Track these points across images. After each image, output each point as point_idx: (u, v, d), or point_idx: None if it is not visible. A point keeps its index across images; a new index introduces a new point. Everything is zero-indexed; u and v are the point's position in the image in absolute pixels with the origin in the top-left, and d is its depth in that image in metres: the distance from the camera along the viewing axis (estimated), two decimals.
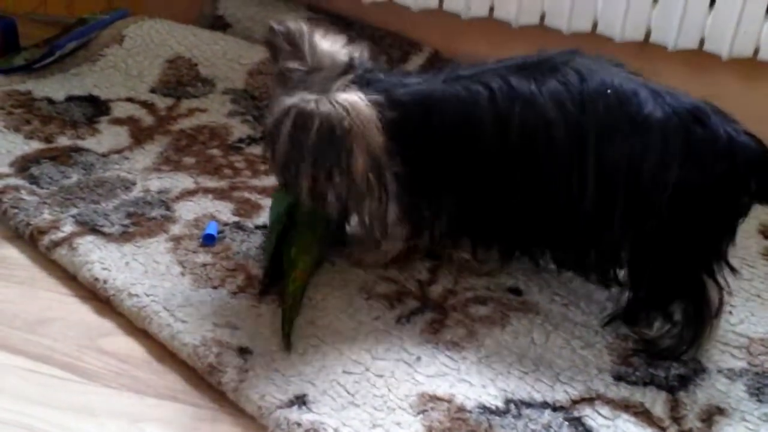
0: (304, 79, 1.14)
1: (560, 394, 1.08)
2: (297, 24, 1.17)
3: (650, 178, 1.08)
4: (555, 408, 1.06)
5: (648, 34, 1.60)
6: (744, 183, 1.09)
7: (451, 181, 1.17)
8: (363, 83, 1.13)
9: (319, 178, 1.11)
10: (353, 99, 1.10)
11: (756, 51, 1.55)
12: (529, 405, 1.06)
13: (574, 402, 1.07)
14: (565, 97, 1.11)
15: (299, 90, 1.12)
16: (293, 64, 1.15)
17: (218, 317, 1.14)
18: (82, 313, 1.17)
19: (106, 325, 1.16)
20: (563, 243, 1.18)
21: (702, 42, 1.58)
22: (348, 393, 1.06)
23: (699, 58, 1.60)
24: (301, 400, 1.04)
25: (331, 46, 1.17)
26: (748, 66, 1.59)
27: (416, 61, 1.76)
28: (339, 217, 1.20)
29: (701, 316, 1.13)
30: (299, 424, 1.00)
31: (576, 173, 1.11)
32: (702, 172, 1.08)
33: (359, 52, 1.18)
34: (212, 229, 1.28)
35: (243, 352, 1.10)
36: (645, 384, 1.10)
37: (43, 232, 1.26)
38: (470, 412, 1.04)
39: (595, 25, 1.63)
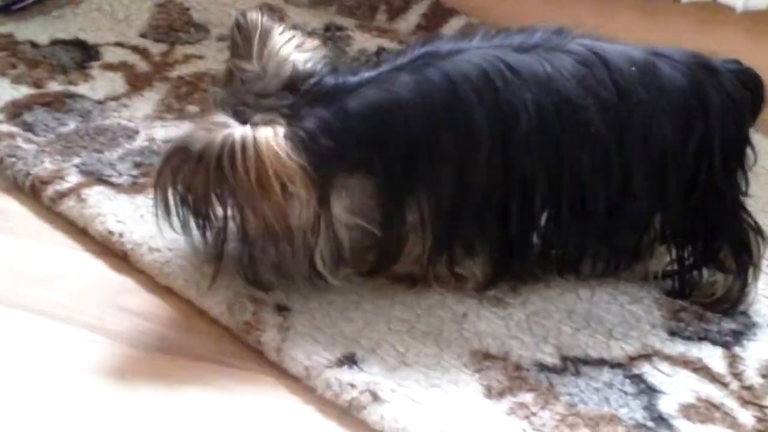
0: (243, 87, 1.01)
1: (616, 351, 1.03)
2: (256, 17, 1.03)
3: (695, 145, 1.05)
4: (613, 365, 1.01)
5: None
6: (753, 107, 1.09)
7: (434, 187, 1.03)
8: (303, 105, 0.99)
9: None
10: (263, 140, 0.93)
11: None
12: (585, 362, 1.01)
13: (632, 359, 1.02)
14: (593, 81, 1.02)
15: (234, 99, 1.00)
16: (242, 63, 1.02)
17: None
18: (97, 269, 1.08)
19: (126, 281, 1.07)
20: (602, 238, 1.09)
21: None
22: (397, 351, 0.99)
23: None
24: (350, 360, 0.97)
25: (283, 48, 1.03)
26: None
27: (417, 11, 1.68)
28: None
29: (746, 259, 1.09)
30: (353, 386, 0.94)
31: (617, 163, 1.03)
32: (732, 117, 1.06)
33: (312, 55, 1.04)
34: None
35: (281, 309, 1.02)
36: (699, 339, 1.06)
37: (45, 182, 1.16)
38: (528, 370, 0.99)
39: None
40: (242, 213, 0.96)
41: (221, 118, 0.97)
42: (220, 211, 0.97)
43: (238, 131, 0.94)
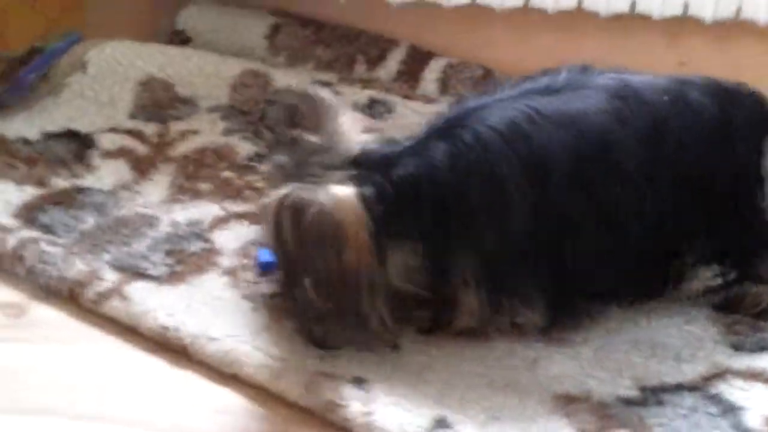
0: (309, 158, 1.04)
1: (690, 374, 1.04)
2: (329, 96, 1.10)
3: (729, 165, 1.08)
4: (690, 388, 1.03)
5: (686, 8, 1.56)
6: None
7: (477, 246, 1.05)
8: (363, 174, 1.02)
9: (319, 270, 1.01)
10: (344, 193, 0.99)
11: None
12: (664, 390, 1.02)
13: (706, 379, 1.04)
14: (629, 113, 1.06)
15: (299, 169, 1.04)
16: (309, 135, 1.06)
17: (315, 348, 1.04)
18: (156, 367, 1.04)
19: (190, 376, 1.03)
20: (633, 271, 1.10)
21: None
22: (483, 407, 0.99)
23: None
24: (443, 424, 0.96)
25: (350, 128, 1.08)
26: None
27: (396, 57, 1.69)
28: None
29: None
30: None
31: (650, 194, 1.06)
32: (758, 136, 1.10)
33: (378, 136, 1.09)
34: (265, 255, 1.18)
35: (359, 381, 1.00)
36: (761, 349, 1.08)
37: (83, 285, 1.12)
38: (614, 406, 0.99)
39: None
40: (326, 266, 0.99)
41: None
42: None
43: (326, 191, 0.98)
